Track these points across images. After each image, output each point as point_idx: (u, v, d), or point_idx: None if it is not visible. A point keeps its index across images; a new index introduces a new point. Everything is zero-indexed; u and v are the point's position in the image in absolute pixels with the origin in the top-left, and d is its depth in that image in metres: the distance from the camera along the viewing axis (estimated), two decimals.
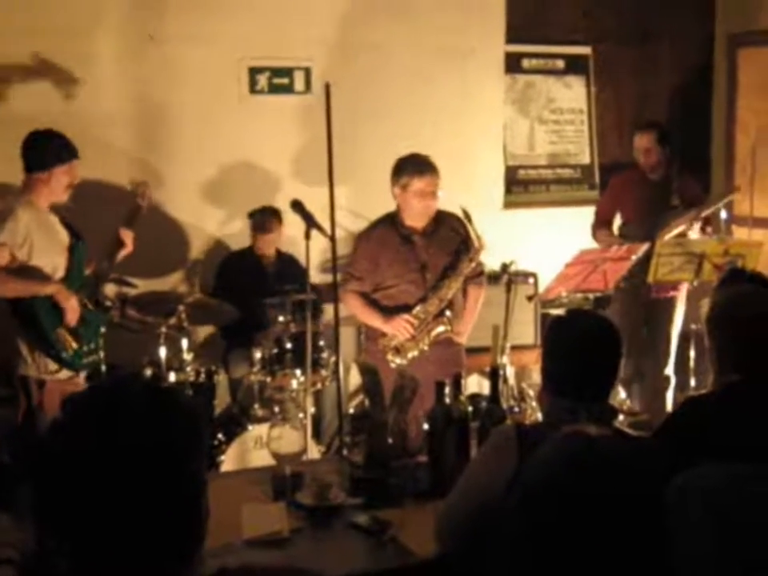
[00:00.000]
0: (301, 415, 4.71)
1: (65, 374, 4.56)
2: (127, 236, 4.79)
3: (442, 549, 2.75)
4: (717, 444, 2.64)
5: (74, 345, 4.55)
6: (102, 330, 4.76)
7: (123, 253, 4.81)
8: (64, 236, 4.61)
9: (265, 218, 5.78)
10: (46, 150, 4.50)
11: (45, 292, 4.47)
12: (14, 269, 4.41)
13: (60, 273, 4.56)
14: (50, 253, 4.53)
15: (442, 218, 4.80)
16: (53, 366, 4.53)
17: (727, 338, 2.94)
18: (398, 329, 4.65)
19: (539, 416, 3.21)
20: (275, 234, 5.81)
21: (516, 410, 4.83)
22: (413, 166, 4.69)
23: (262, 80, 6.06)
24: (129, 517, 1.42)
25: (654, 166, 6.00)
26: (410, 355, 4.68)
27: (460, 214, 4.71)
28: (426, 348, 4.69)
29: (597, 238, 6.18)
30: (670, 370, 6.15)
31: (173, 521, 1.46)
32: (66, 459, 1.43)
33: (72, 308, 4.51)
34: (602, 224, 6.22)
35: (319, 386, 5.35)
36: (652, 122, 6.28)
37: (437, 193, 4.68)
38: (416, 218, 4.73)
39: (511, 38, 6.75)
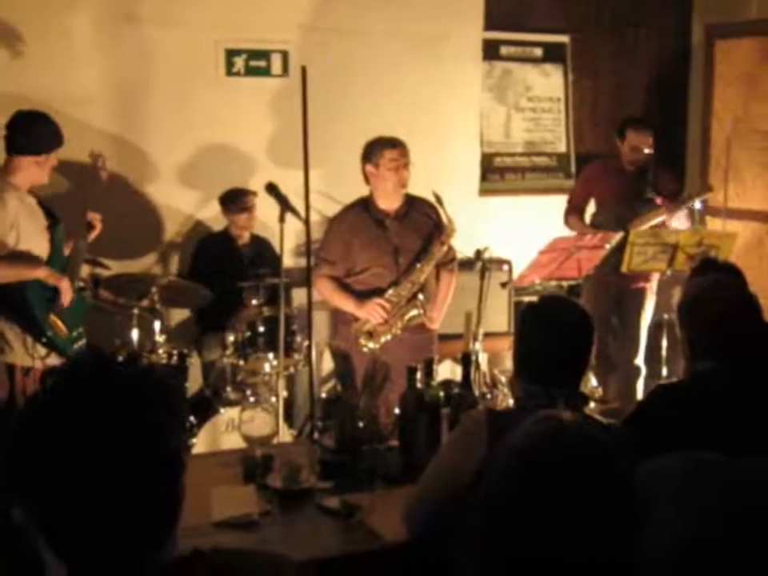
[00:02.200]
0: (273, 399, 4.70)
1: (53, 359, 4.51)
2: (95, 217, 4.76)
3: (410, 534, 2.75)
4: (686, 432, 2.65)
5: (65, 330, 4.52)
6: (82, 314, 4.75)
7: (93, 235, 4.78)
8: (43, 218, 4.58)
9: (241, 198, 5.75)
10: (44, 133, 4.48)
11: (35, 276, 4.43)
12: (3, 255, 4.35)
13: (44, 256, 4.53)
14: (35, 236, 4.49)
15: (414, 203, 4.82)
16: (42, 350, 4.48)
17: (698, 327, 2.96)
18: (371, 313, 4.65)
19: (511, 402, 3.22)
20: (254, 214, 5.78)
21: (488, 396, 4.84)
22: (382, 141, 4.75)
23: (239, 62, 6.03)
24: (104, 493, 1.42)
25: (644, 161, 5.98)
26: (383, 339, 4.69)
27: (432, 199, 4.72)
28: (398, 332, 4.69)
29: (568, 223, 6.20)
30: (640, 358, 6.18)
31: (150, 500, 1.46)
32: (43, 431, 1.42)
33: (66, 289, 4.49)
34: (574, 210, 6.24)
35: (292, 369, 5.34)
36: (644, 120, 6.20)
37: (408, 165, 4.70)
38: (391, 195, 4.73)
39: (489, 25, 6.74)
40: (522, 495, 1.67)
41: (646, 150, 5.92)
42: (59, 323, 4.50)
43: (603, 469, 1.70)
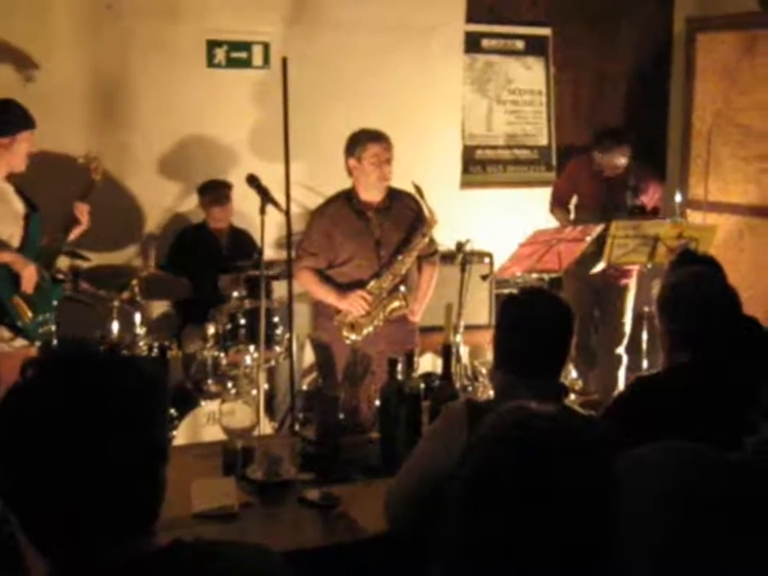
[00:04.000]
0: (254, 391, 4.70)
1: (19, 342, 4.51)
2: (82, 211, 4.73)
3: (390, 525, 2.76)
4: (665, 423, 2.66)
5: (29, 314, 4.51)
6: (55, 302, 4.72)
7: (78, 230, 4.76)
8: (19, 206, 4.58)
9: (218, 191, 5.75)
10: (8, 115, 4.48)
11: (1, 260, 4.43)
12: None
13: (15, 243, 4.52)
14: (6, 222, 4.49)
15: (396, 195, 4.81)
16: (7, 333, 4.48)
17: (677, 319, 2.97)
18: (353, 305, 4.64)
19: (491, 394, 3.23)
20: (230, 206, 5.78)
21: (469, 388, 4.85)
22: (366, 135, 4.73)
23: (220, 54, 6.01)
24: (86, 481, 1.41)
25: (619, 173, 5.98)
26: (365, 331, 4.68)
27: (412, 191, 4.72)
28: (380, 324, 4.69)
29: (553, 212, 6.24)
30: (621, 350, 6.21)
31: (131, 488, 1.45)
32: (24, 420, 1.41)
33: (29, 275, 4.48)
34: (558, 203, 6.26)
35: (273, 362, 5.33)
36: (615, 137, 5.98)
37: (391, 160, 4.69)
38: (373, 188, 4.72)
39: (471, 18, 6.74)
40: (492, 482, 1.67)
41: (615, 169, 5.92)
42: (23, 306, 4.49)
43: (575, 460, 1.70)
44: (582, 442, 1.70)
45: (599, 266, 5.61)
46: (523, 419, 1.71)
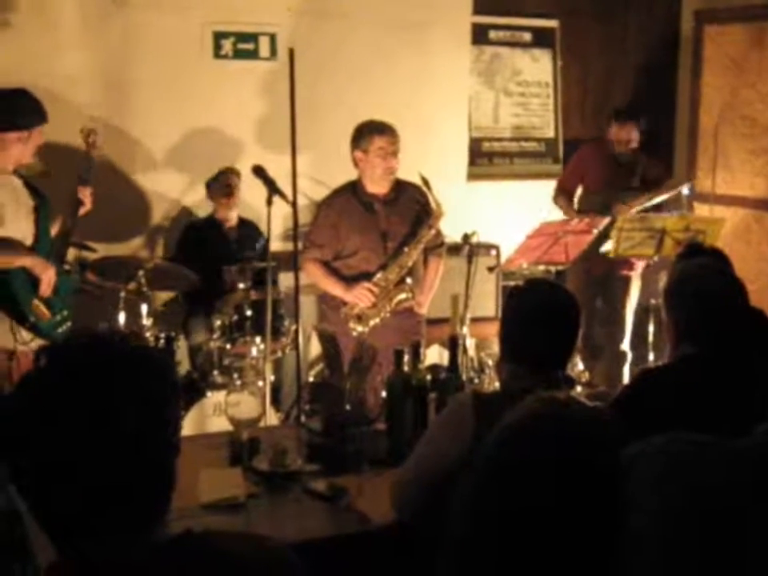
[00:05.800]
0: (260, 383, 4.70)
1: (38, 343, 4.46)
2: (85, 194, 4.69)
3: (397, 514, 2.76)
4: (671, 415, 2.66)
5: (48, 314, 4.48)
6: (68, 294, 4.71)
7: (82, 211, 4.72)
8: (28, 200, 4.51)
9: (226, 181, 5.74)
10: (26, 108, 4.39)
11: (20, 264, 4.35)
12: None
13: (29, 238, 4.45)
14: (19, 218, 4.41)
15: (403, 187, 4.81)
16: (27, 336, 4.43)
17: (684, 311, 2.97)
18: (359, 297, 4.65)
19: (497, 386, 3.23)
20: (236, 192, 5.76)
21: (476, 380, 4.85)
22: (373, 127, 4.73)
23: (227, 45, 6.00)
24: (100, 468, 1.41)
25: (629, 152, 6.04)
26: (371, 323, 4.69)
27: (419, 182, 4.71)
28: (387, 315, 4.69)
29: (557, 202, 6.24)
30: (626, 343, 6.21)
31: (144, 480, 1.45)
32: (38, 411, 1.41)
33: (48, 279, 4.41)
34: (563, 192, 6.26)
35: (279, 353, 5.33)
36: (630, 112, 6.24)
37: (398, 153, 4.69)
38: (378, 181, 4.73)
39: (478, 9, 6.73)
40: (520, 468, 1.68)
41: (629, 143, 5.98)
42: (42, 308, 4.43)
43: (594, 448, 1.71)
44: (609, 436, 1.72)
45: (608, 245, 5.60)
46: (557, 411, 1.73)
